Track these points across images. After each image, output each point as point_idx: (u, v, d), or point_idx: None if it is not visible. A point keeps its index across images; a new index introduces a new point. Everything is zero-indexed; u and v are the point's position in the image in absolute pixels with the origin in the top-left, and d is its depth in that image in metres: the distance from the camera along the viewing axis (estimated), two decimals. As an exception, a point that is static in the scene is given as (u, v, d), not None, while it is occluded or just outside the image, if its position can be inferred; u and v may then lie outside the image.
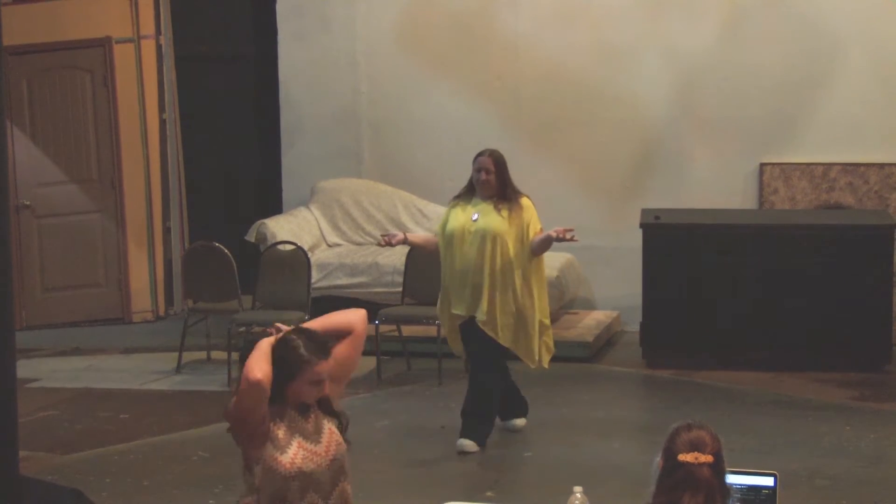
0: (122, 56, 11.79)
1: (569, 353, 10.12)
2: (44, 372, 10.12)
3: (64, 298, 11.74)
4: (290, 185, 11.88)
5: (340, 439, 4.46)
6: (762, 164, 10.93)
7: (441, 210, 8.92)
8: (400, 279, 10.08)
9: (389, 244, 7.94)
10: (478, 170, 7.80)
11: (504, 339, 7.71)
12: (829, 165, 10.78)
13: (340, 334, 4.52)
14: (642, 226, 9.98)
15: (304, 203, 11.58)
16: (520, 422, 8.21)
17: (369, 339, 9.55)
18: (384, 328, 9.84)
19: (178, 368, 10.08)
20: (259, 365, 4.32)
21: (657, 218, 10.00)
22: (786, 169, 10.87)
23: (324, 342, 4.42)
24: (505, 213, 7.70)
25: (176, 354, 10.13)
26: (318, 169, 11.67)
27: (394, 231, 8.39)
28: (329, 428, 4.45)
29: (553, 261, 10.61)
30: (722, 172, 10.99)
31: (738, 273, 9.81)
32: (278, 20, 11.80)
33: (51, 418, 8.89)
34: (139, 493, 7.30)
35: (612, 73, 11.15)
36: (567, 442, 8.13)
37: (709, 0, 10.96)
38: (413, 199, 11.38)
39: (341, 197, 11.48)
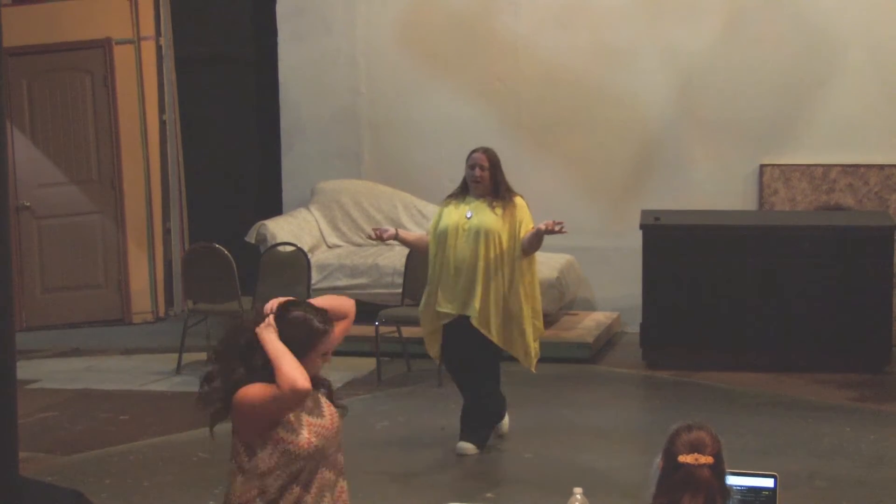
0: (122, 57, 11.80)
1: (569, 354, 10.13)
2: (44, 373, 10.12)
3: (64, 299, 11.75)
4: (289, 186, 11.88)
5: (334, 408, 4.48)
6: (762, 166, 10.93)
7: (441, 211, 8.89)
8: (400, 280, 10.08)
9: (380, 238, 7.82)
10: (472, 166, 7.75)
11: (498, 338, 7.67)
12: (829, 167, 10.79)
13: (337, 316, 4.53)
14: (642, 227, 9.98)
15: (304, 204, 11.59)
16: (503, 423, 8.10)
17: (369, 340, 9.65)
18: (384, 329, 9.84)
19: (178, 369, 10.08)
20: (300, 371, 4.29)
21: (657, 219, 10.00)
22: (786, 170, 10.87)
23: (325, 312, 4.45)
24: (499, 210, 7.65)
25: (176, 355, 10.13)
26: (317, 170, 11.68)
27: (385, 227, 8.28)
28: (323, 399, 4.47)
29: (553, 262, 10.63)
30: (722, 174, 11.00)
31: (738, 274, 9.81)
32: (278, 21, 11.81)
33: (51, 419, 8.89)
34: (139, 494, 7.30)
35: (612, 75, 11.16)
36: (567, 443, 8.12)
37: (709, 1, 10.97)
38: (413, 199, 11.38)
39: (341, 198, 11.49)
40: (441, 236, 7.73)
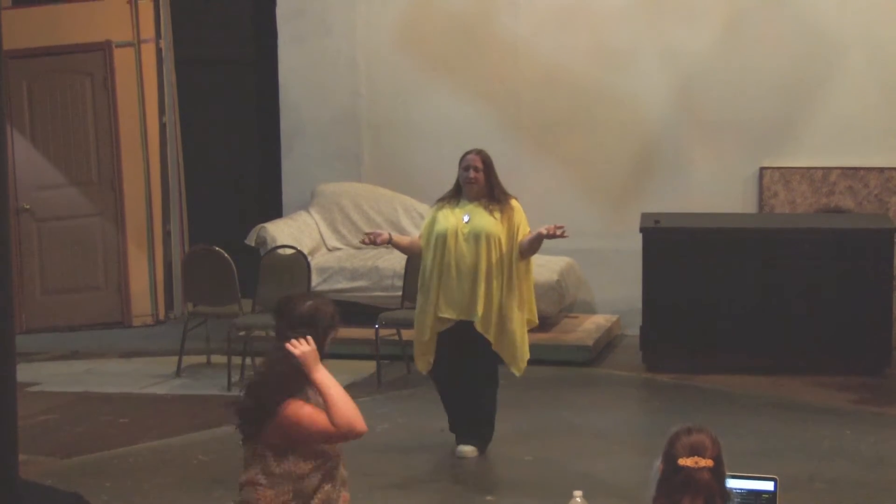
0: (123, 59, 11.80)
1: (569, 357, 10.13)
2: (44, 376, 10.11)
3: (64, 302, 11.75)
4: (290, 189, 11.88)
5: None
6: (762, 168, 10.93)
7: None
8: (400, 283, 10.08)
9: (374, 243, 7.71)
10: (466, 168, 7.66)
11: (493, 340, 7.63)
12: (829, 169, 10.79)
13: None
14: (642, 229, 9.98)
15: (305, 207, 11.58)
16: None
17: (370, 342, 9.65)
18: (384, 332, 9.84)
19: (178, 372, 10.07)
20: (357, 412, 4.38)
21: (657, 222, 9.99)
22: (786, 173, 10.87)
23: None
24: (497, 214, 7.59)
25: (176, 358, 10.13)
26: (317, 172, 11.67)
27: (378, 230, 8.20)
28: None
29: (553, 264, 10.62)
30: (722, 176, 11.00)
31: (738, 277, 9.81)
32: (278, 23, 11.81)
33: (50, 422, 8.89)
34: (139, 496, 7.29)
35: (611, 76, 11.16)
36: (567, 446, 8.12)
37: (708, 3, 10.97)
38: (413, 202, 11.38)
39: (341, 200, 11.48)
40: (438, 241, 7.63)
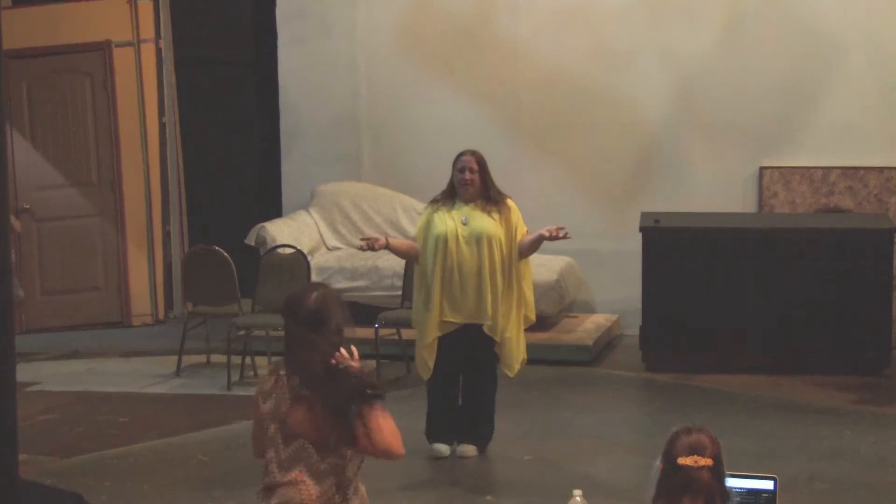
0: (122, 60, 11.80)
1: (568, 357, 10.13)
2: (43, 375, 10.11)
3: (63, 302, 11.74)
4: (289, 189, 11.88)
5: None
6: (762, 168, 10.93)
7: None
8: (399, 283, 10.08)
9: (372, 248, 7.60)
10: (461, 169, 7.61)
11: (501, 342, 7.63)
12: (829, 169, 10.79)
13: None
14: (642, 229, 9.98)
15: (304, 207, 11.58)
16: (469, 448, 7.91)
17: (369, 342, 9.65)
18: (384, 332, 9.84)
19: (178, 372, 10.08)
20: (398, 438, 4.38)
21: (657, 221, 9.99)
22: (785, 173, 10.87)
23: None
24: (495, 215, 7.56)
25: (175, 358, 10.13)
26: (317, 172, 11.67)
27: (375, 235, 8.14)
28: None
29: (553, 264, 10.63)
30: (722, 176, 11.00)
31: (738, 277, 9.81)
32: (278, 24, 11.81)
33: (50, 422, 8.89)
34: (139, 496, 7.30)
35: (611, 77, 11.16)
36: (566, 446, 8.12)
37: (708, 4, 10.97)
38: (413, 202, 11.37)
39: (341, 200, 11.48)
40: (438, 244, 7.57)
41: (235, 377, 9.77)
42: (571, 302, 11.07)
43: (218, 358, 10.19)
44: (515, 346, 7.67)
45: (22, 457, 6.34)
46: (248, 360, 9.93)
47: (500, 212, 7.59)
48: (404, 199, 11.42)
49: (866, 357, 9.72)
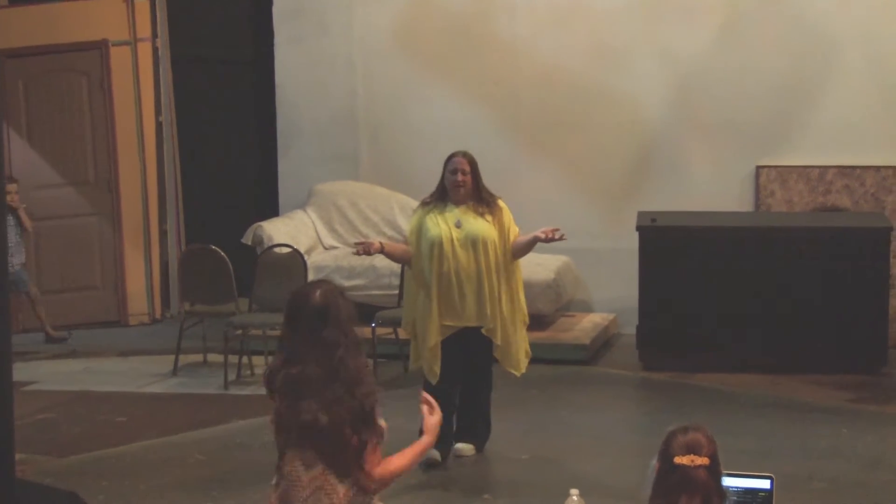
0: (119, 59, 11.79)
1: (565, 356, 10.13)
2: (40, 374, 10.11)
3: (60, 301, 11.73)
4: (286, 188, 11.87)
5: None
6: (759, 167, 10.93)
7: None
8: (397, 281, 10.08)
9: (367, 253, 7.60)
10: (453, 171, 7.57)
11: (502, 343, 7.62)
12: (826, 168, 10.79)
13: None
14: (639, 228, 9.98)
15: (301, 206, 11.58)
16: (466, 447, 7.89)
17: (366, 341, 9.64)
18: (381, 331, 9.85)
19: (175, 371, 10.07)
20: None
21: (654, 220, 10.00)
22: (782, 172, 10.87)
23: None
24: (488, 217, 7.54)
25: (172, 357, 10.13)
26: (314, 172, 11.67)
27: (370, 240, 8.07)
28: None
29: (550, 263, 10.63)
30: (719, 175, 11.00)
31: (735, 275, 9.81)
32: (275, 23, 11.80)
33: (47, 421, 8.88)
34: (136, 495, 7.29)
35: (609, 76, 11.16)
36: (563, 444, 8.12)
37: (705, 4, 10.97)
38: (410, 201, 11.35)
39: (338, 200, 11.48)
40: (432, 247, 7.52)
41: (232, 376, 9.77)
42: (569, 301, 11.08)
43: (215, 357, 10.19)
44: (518, 345, 7.66)
45: (19, 456, 6.34)
46: (244, 359, 9.93)
47: (492, 213, 7.57)
48: (402, 198, 11.41)
49: (864, 356, 9.72)
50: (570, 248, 10.55)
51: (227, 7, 12.58)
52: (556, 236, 7.44)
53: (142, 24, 11.87)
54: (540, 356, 9.68)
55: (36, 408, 9.10)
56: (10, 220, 10.97)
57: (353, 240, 11.29)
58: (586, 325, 10.79)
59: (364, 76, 11.67)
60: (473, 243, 7.51)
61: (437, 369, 7.54)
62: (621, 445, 8.15)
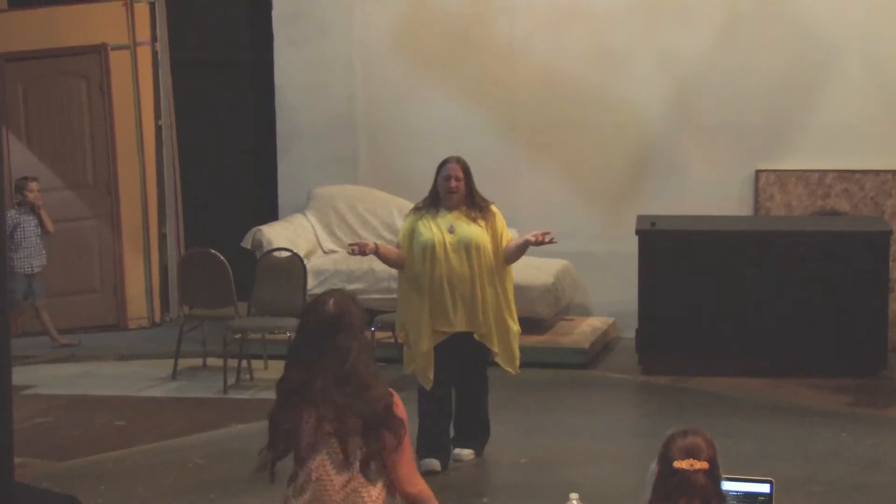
0: (118, 62, 11.79)
1: (565, 360, 10.13)
2: (39, 378, 10.10)
3: (60, 305, 11.71)
4: (285, 192, 11.86)
5: None
6: (758, 171, 10.93)
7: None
8: (395, 285, 10.05)
9: (362, 253, 7.57)
10: (446, 177, 7.55)
11: (498, 348, 7.61)
12: (825, 172, 10.79)
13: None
14: (638, 232, 9.98)
15: (301, 209, 11.58)
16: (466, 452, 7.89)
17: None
18: (380, 335, 9.84)
19: (174, 375, 10.06)
20: None
21: (653, 224, 10.00)
22: (782, 175, 10.87)
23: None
24: (481, 222, 7.52)
25: (171, 361, 10.12)
26: (314, 175, 11.66)
27: (364, 241, 8.06)
28: None
29: (549, 266, 10.62)
30: (718, 179, 10.99)
31: (734, 279, 9.81)
32: (274, 26, 11.80)
33: (46, 425, 8.88)
34: (135, 499, 7.29)
35: (608, 78, 11.15)
36: (562, 448, 8.11)
37: (705, 5, 10.97)
38: (409, 205, 11.28)
39: (337, 203, 11.48)
40: (425, 252, 7.49)
41: (232, 380, 9.76)
42: (567, 304, 11.07)
43: (214, 361, 10.18)
44: (516, 346, 7.66)
45: (18, 460, 6.33)
46: (244, 363, 9.93)
47: (485, 219, 7.55)
48: (401, 201, 11.40)
49: (863, 359, 9.72)
50: (569, 252, 10.57)
51: (226, 10, 12.58)
52: (547, 240, 7.43)
53: (141, 28, 11.87)
54: (539, 360, 9.71)
55: (35, 411, 9.10)
56: (32, 220, 11.02)
57: (352, 243, 11.31)
58: (585, 329, 10.78)
59: (363, 79, 11.67)
60: (466, 248, 7.49)
61: (431, 375, 7.51)
62: (620, 449, 8.15)
